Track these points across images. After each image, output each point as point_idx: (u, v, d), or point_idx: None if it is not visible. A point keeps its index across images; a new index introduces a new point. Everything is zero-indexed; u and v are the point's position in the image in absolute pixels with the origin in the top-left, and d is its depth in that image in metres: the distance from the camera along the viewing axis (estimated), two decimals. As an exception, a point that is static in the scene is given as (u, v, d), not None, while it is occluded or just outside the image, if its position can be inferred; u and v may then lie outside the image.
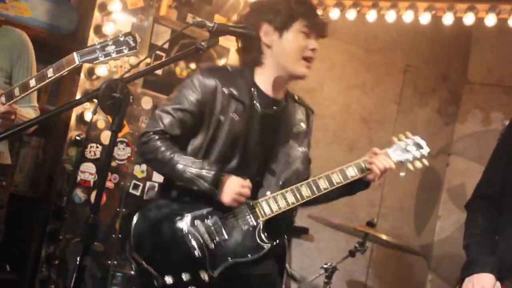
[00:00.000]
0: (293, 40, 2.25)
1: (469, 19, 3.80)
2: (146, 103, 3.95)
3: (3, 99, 2.53)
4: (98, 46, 2.33)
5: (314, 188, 2.25)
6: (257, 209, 2.23)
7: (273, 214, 2.23)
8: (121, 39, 2.31)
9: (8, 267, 3.60)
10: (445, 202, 4.94)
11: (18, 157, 3.72)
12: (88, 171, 3.71)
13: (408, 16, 3.93)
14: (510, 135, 2.48)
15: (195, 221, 2.22)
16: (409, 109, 4.88)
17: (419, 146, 2.39)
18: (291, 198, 2.24)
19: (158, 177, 4.04)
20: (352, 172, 2.29)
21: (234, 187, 2.15)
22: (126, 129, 3.87)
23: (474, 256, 2.33)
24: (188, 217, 2.22)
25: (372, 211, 4.66)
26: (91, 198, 3.70)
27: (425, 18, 3.90)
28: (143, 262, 2.17)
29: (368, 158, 2.32)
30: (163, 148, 2.17)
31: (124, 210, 3.91)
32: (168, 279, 2.15)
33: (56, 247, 3.60)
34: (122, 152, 3.84)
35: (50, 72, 2.43)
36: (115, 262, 3.78)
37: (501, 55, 4.77)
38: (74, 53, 2.39)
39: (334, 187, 2.27)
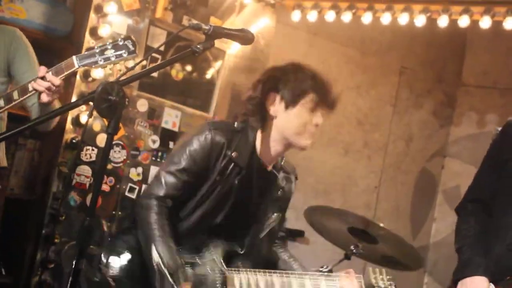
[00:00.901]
0: (299, 115, 2.25)
1: (464, 21, 3.81)
2: (142, 105, 3.94)
3: (1, 102, 2.52)
4: (97, 50, 2.32)
5: (285, 284, 2.16)
6: (229, 282, 2.19)
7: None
8: (120, 43, 2.30)
9: (3, 270, 3.59)
10: (441, 204, 4.96)
11: (13, 159, 3.71)
12: (83, 174, 3.70)
13: (403, 19, 3.94)
14: (502, 141, 2.48)
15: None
16: (405, 111, 4.89)
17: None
18: (262, 281, 2.17)
19: (153, 180, 4.04)
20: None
21: None
22: (121, 132, 3.86)
23: (466, 258, 2.32)
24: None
25: (368, 214, 4.66)
26: (87, 201, 3.69)
27: (420, 21, 3.90)
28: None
29: (343, 274, 2.24)
30: (154, 226, 2.18)
31: (120, 213, 3.90)
32: None
33: (52, 250, 3.59)
34: (117, 155, 3.83)
35: (49, 75, 2.41)
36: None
37: (496, 58, 4.79)
38: (74, 57, 2.38)
39: None
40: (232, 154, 2.25)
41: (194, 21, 2.01)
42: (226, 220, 2.29)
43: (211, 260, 2.23)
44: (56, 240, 3.59)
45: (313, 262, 4.31)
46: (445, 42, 4.63)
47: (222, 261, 2.23)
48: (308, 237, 4.37)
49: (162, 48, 3.92)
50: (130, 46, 2.29)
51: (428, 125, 4.93)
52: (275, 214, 2.40)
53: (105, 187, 3.78)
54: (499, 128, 2.55)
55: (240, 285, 2.18)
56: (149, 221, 2.18)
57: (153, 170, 4.02)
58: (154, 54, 3.92)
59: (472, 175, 2.59)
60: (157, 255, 2.11)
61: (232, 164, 2.25)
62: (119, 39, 2.33)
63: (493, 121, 4.73)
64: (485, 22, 3.76)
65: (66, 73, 2.40)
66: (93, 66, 2.35)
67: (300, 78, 2.27)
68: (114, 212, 3.83)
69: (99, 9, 3.66)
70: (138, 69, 2.62)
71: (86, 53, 2.36)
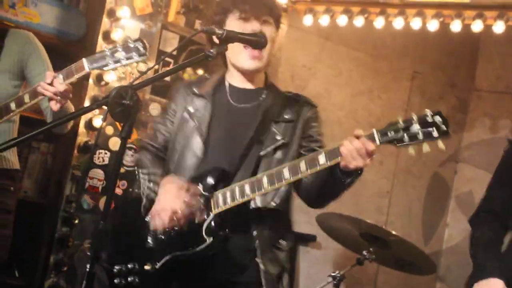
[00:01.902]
0: None
1: (477, 26, 3.78)
2: (154, 109, 3.96)
3: (13, 105, 2.54)
4: (107, 53, 2.30)
5: (275, 179, 2.05)
6: (211, 201, 2.13)
7: (226, 207, 2.10)
8: (131, 45, 2.28)
9: (17, 273, 3.61)
10: (453, 210, 4.92)
11: (26, 162, 3.74)
12: (96, 177, 3.72)
13: (416, 23, 3.92)
14: (509, 156, 2.46)
15: None
16: (417, 116, 4.87)
17: (428, 125, 1.88)
18: (247, 189, 2.07)
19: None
20: (322, 159, 1.99)
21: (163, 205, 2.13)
22: (134, 135, 3.87)
23: (481, 263, 2.31)
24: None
25: (380, 219, 4.64)
26: (100, 205, 3.71)
27: (433, 25, 3.89)
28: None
29: (346, 140, 1.97)
30: (146, 161, 2.33)
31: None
32: (117, 267, 2.17)
33: (65, 253, 3.60)
34: (130, 158, 3.85)
35: (60, 79, 2.43)
36: (123, 268, 3.78)
37: (509, 62, 4.75)
38: (84, 59, 2.37)
39: (298, 177, 2.03)
40: (193, 89, 2.33)
41: (207, 26, 2.01)
42: (211, 154, 2.22)
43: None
44: (69, 243, 3.61)
45: (325, 268, 4.32)
46: (457, 47, 4.61)
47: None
48: (320, 242, 4.36)
49: (175, 53, 3.94)
50: (141, 49, 2.27)
51: (440, 130, 4.90)
52: (277, 138, 2.22)
53: (117, 191, 3.80)
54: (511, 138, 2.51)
55: (222, 194, 2.12)
56: (138, 159, 2.37)
57: (165, 173, 4.04)
58: (167, 59, 3.93)
59: (485, 180, 2.57)
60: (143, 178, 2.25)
61: (194, 97, 2.31)
62: (130, 42, 2.29)
63: (506, 126, 4.70)
64: (499, 27, 3.73)
65: (76, 76, 2.40)
66: (104, 68, 2.33)
67: (216, 7, 2.34)
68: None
69: (112, 13, 3.69)
70: (150, 73, 2.64)
71: (96, 55, 2.35)
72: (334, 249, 4.46)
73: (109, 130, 3.75)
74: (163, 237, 2.14)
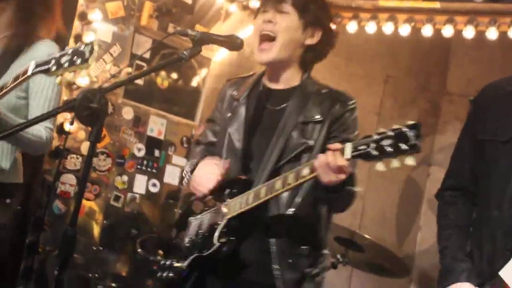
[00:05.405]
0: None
1: (448, 31, 3.85)
2: (127, 113, 3.93)
3: None
4: (57, 56, 2.11)
5: (270, 189, 2.05)
6: (228, 207, 2.18)
7: (241, 210, 2.12)
8: (81, 48, 2.05)
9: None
10: (426, 213, 4.97)
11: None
12: (68, 183, 3.67)
13: (388, 28, 3.97)
14: (476, 115, 2.26)
15: (202, 215, 2.32)
16: (389, 120, 4.91)
17: (401, 140, 1.76)
18: (250, 199, 2.10)
19: (139, 188, 4.01)
20: (305, 171, 1.97)
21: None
22: (107, 140, 3.84)
23: (448, 263, 2.18)
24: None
25: (354, 222, 4.66)
26: (71, 210, 3.67)
27: (405, 30, 3.94)
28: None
29: (321, 154, 1.95)
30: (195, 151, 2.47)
31: (105, 221, 3.87)
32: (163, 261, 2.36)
33: (35, 259, 3.55)
34: (102, 163, 3.81)
35: (9, 82, 2.27)
36: (96, 275, 3.74)
37: (479, 67, 4.82)
38: (32, 62, 2.19)
39: (287, 188, 2.02)
40: (233, 92, 2.36)
41: (180, 28, 1.99)
42: (248, 157, 2.24)
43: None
44: (40, 249, 3.56)
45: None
46: (429, 51, 4.66)
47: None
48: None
49: (147, 56, 3.91)
50: (87, 54, 2.02)
51: (413, 133, 4.95)
52: (303, 140, 2.18)
53: (89, 196, 3.76)
54: (472, 98, 2.33)
55: (234, 203, 2.16)
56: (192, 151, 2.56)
57: (139, 178, 4.00)
58: (139, 62, 3.90)
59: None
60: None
61: (232, 101, 2.34)
62: (82, 45, 2.07)
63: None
64: (469, 32, 3.80)
65: (21, 79, 2.22)
66: (47, 73, 2.13)
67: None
68: (98, 221, 3.81)
69: (83, 17, 3.65)
70: (124, 77, 2.61)
71: (45, 59, 2.15)
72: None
73: (81, 134, 3.71)
74: (194, 238, 2.28)
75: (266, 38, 2.24)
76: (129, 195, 3.96)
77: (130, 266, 3.95)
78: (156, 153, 4.08)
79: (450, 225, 2.23)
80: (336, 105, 2.25)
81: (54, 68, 2.08)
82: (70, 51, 2.07)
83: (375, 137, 1.81)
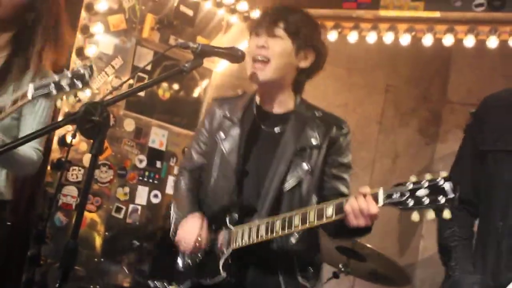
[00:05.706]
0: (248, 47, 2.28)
1: (448, 40, 3.86)
2: (129, 125, 3.94)
3: None
4: (56, 79, 2.10)
5: (287, 225, 2.04)
6: (233, 236, 2.16)
7: (244, 244, 2.12)
8: (81, 71, 2.07)
9: (-13, 293, 3.53)
10: (428, 221, 4.95)
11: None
12: (70, 195, 3.67)
13: (388, 37, 3.99)
14: (477, 126, 2.27)
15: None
16: (391, 129, 4.92)
17: (437, 192, 1.77)
18: (262, 231, 2.08)
19: (140, 200, 4.01)
20: (329, 212, 1.97)
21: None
22: (108, 152, 3.85)
23: (457, 277, 2.16)
24: None
25: (356, 231, 4.65)
26: (73, 222, 3.66)
27: (405, 39, 3.95)
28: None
29: (352, 197, 1.96)
30: (181, 190, 2.41)
31: (106, 233, 3.87)
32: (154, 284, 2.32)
33: (37, 272, 3.54)
34: (104, 175, 3.81)
35: (7, 106, 2.26)
36: (98, 286, 3.73)
37: (480, 76, 4.83)
38: (30, 85, 2.17)
39: (306, 226, 2.02)
40: (225, 112, 2.31)
41: (182, 41, 2.00)
42: (241, 180, 2.22)
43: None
44: (41, 262, 3.55)
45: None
46: (430, 61, 4.67)
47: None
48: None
49: (149, 68, 3.93)
50: (86, 77, 2.05)
51: (414, 142, 4.95)
52: (303, 165, 2.19)
53: (91, 207, 3.76)
54: (472, 111, 2.33)
55: (241, 232, 2.13)
56: (177, 187, 2.43)
57: (140, 189, 4.01)
58: (141, 74, 3.92)
59: (458, 192, 2.48)
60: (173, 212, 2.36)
61: (225, 120, 2.30)
62: (81, 68, 2.09)
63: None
64: (469, 41, 3.81)
65: (20, 103, 2.20)
66: (47, 98, 2.13)
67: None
68: (100, 233, 3.80)
69: (85, 29, 3.66)
70: (125, 89, 2.61)
71: (43, 82, 2.14)
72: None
73: (83, 146, 3.72)
74: (190, 262, 2.24)
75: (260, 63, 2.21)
76: (131, 206, 3.96)
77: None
78: (158, 164, 4.08)
79: (455, 237, 2.23)
80: (331, 129, 2.28)
81: (54, 92, 2.09)
82: (69, 74, 2.07)
83: (410, 186, 1.83)
